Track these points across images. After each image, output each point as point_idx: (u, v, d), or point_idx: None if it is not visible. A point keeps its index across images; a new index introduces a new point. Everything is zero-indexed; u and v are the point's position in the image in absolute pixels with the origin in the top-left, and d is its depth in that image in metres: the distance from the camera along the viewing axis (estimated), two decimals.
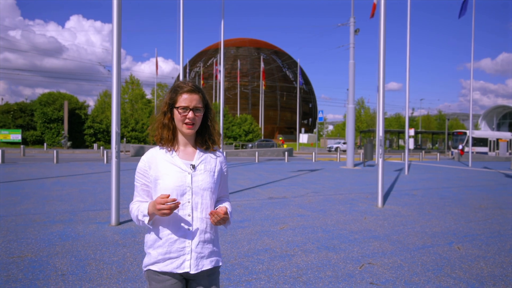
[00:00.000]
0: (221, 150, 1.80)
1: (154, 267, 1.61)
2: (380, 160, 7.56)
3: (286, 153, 21.62)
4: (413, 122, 68.03)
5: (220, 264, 1.72)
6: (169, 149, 1.65)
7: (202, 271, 1.63)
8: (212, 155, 1.72)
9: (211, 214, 1.56)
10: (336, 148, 42.33)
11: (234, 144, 38.21)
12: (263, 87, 50.16)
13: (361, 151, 22.11)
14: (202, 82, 50.47)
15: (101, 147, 25.08)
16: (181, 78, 12.52)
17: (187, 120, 1.60)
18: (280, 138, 41.96)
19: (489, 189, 10.67)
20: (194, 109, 1.61)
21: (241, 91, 56.95)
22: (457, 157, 28.96)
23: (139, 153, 24.61)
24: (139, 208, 1.62)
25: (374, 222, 6.06)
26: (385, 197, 8.58)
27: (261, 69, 47.94)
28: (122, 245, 4.43)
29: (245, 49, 71.19)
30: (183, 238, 1.59)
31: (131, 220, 5.76)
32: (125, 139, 34.14)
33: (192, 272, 1.59)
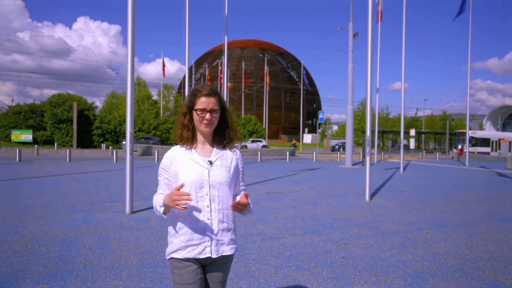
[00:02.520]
0: (238, 147, 1.95)
1: (176, 255, 1.73)
2: (368, 158, 8.27)
3: (288, 152, 22.34)
4: (417, 122, 68.28)
5: (237, 251, 1.88)
6: (188, 147, 1.79)
7: (221, 256, 1.78)
8: (228, 152, 1.85)
9: (235, 206, 1.70)
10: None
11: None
12: (267, 88, 50.88)
13: (361, 150, 22.73)
14: (209, 83, 51.37)
15: (110, 147, 26.01)
16: (186, 79, 13.28)
17: (204, 121, 1.73)
18: None
19: (477, 186, 11.30)
20: (211, 111, 1.73)
21: (246, 91, 57.68)
22: (456, 157, 29.48)
23: (147, 153, 25.47)
24: (157, 199, 1.77)
25: (359, 213, 6.77)
26: (375, 193, 9.28)
27: (265, 70, 48.68)
28: (136, 229, 5.20)
29: (250, 50, 71.98)
30: (204, 227, 1.72)
31: (143, 209, 6.56)
32: None
33: (214, 256, 1.73)
